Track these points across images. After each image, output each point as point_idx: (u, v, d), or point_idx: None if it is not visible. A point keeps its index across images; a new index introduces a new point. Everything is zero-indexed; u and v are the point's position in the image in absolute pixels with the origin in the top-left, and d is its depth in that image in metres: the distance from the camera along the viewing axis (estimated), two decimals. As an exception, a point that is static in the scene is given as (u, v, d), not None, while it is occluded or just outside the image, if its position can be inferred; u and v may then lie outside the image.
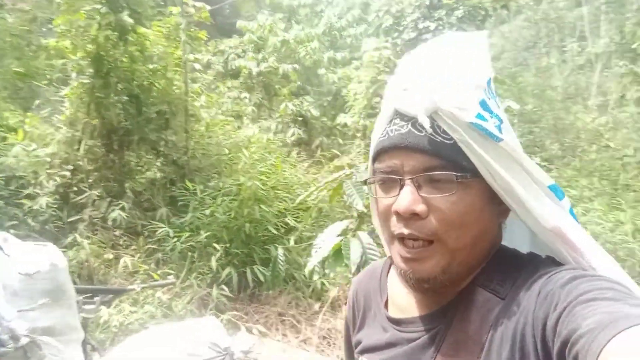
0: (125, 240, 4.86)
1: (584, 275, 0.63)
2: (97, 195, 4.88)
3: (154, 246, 4.77)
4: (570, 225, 0.70)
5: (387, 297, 0.85)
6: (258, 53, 9.36)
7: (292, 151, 7.24)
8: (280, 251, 4.66)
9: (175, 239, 4.64)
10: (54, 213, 4.66)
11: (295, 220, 5.25)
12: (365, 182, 0.79)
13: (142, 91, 5.89)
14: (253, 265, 4.73)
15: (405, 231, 0.69)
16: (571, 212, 0.74)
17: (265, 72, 9.04)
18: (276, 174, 5.79)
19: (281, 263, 4.55)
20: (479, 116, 0.66)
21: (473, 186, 0.68)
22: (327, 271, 2.30)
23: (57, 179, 4.84)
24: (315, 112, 8.54)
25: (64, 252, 4.14)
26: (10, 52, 5.54)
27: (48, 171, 4.88)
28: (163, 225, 4.81)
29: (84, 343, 2.21)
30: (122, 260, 4.43)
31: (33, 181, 4.81)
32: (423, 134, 0.67)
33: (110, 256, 4.52)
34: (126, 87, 5.75)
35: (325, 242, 2.17)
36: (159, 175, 5.38)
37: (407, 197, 0.67)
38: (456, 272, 0.71)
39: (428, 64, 0.71)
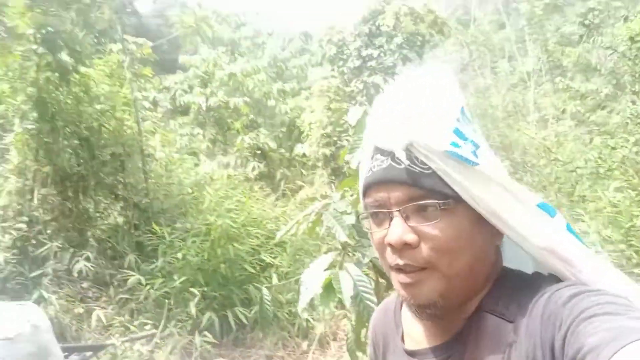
0: (94, 292, 4.51)
1: (583, 291, 0.64)
2: (59, 247, 4.52)
3: (126, 296, 4.45)
4: (563, 241, 0.70)
5: (402, 331, 0.86)
6: (205, 87, 9.18)
7: (255, 186, 7.05)
8: (265, 291, 4.46)
9: (148, 287, 4.36)
10: (14, 269, 4.27)
11: (270, 257, 5.05)
12: (358, 218, 0.84)
13: (92, 133, 5.56)
14: (233, 307, 4.50)
15: (400, 262, 0.70)
16: (568, 227, 0.73)
17: (214, 107, 8.86)
18: (244, 210, 5.58)
19: (267, 303, 4.34)
20: (453, 144, 0.68)
21: (458, 211, 0.69)
22: (320, 308, 2.20)
23: (13, 232, 4.46)
24: (272, 144, 8.43)
25: None
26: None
27: (2, 225, 4.49)
28: (133, 273, 4.52)
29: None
30: (94, 314, 4.11)
31: None
32: (402, 166, 0.70)
33: (81, 310, 4.18)
34: (75, 130, 5.41)
35: (313, 278, 2.08)
36: (121, 220, 5.10)
37: (396, 229, 0.69)
38: (456, 297, 0.72)
39: (400, 100, 0.74)
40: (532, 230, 0.69)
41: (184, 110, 9.04)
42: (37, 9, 5.06)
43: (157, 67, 10.03)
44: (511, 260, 0.80)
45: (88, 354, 2.54)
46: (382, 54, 9.39)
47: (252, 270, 4.81)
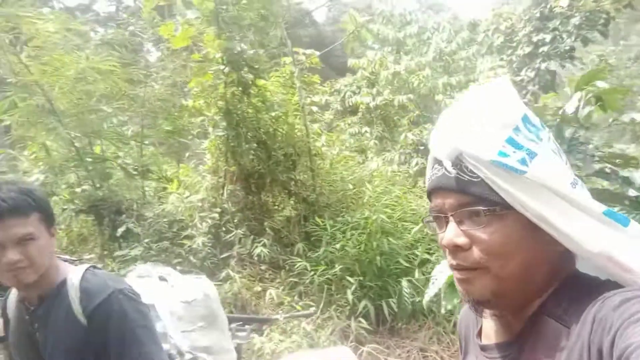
0: (270, 274, 5.18)
1: (636, 296, 0.65)
2: (242, 234, 5.31)
3: (295, 279, 5.02)
4: (622, 247, 0.71)
5: (480, 326, 0.91)
6: (372, 88, 9.54)
7: (418, 181, 7.15)
8: (405, 284, 4.62)
9: (313, 273, 4.85)
10: (209, 251, 5.16)
11: (427, 253, 5.12)
12: (423, 221, 0.91)
13: (269, 137, 6.33)
14: (388, 298, 4.70)
15: (454, 262, 0.78)
16: None
17: (381, 105, 9.17)
18: (401, 205, 5.75)
19: (406, 296, 4.49)
20: (501, 153, 0.72)
21: (508, 217, 0.73)
22: (443, 303, 2.23)
23: (209, 220, 5.40)
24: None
25: (219, 285, 4.63)
26: (160, 113, 6.38)
27: (200, 214, 5.47)
28: (300, 260, 5.07)
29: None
30: (268, 293, 4.76)
31: (190, 223, 5.44)
32: (452, 175, 0.76)
33: (259, 289, 4.88)
34: (254, 135, 6.24)
35: (441, 273, 2.12)
36: (293, 213, 5.74)
37: (448, 233, 0.76)
38: (511, 298, 0.76)
39: (457, 113, 0.80)
40: (584, 235, 0.71)
41: (353, 111, 9.56)
42: (223, 36, 6.01)
43: (330, 72, 10.81)
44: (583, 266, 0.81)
45: (259, 324, 2.97)
46: (557, 38, 8.54)
47: (408, 265, 4.97)
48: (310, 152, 6.23)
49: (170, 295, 1.93)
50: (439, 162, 0.80)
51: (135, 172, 6.55)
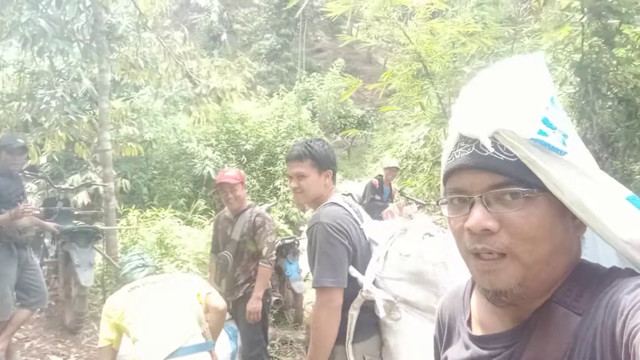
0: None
1: None
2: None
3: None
4: None
5: (469, 315, 0.87)
6: None
7: None
8: None
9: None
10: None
11: None
12: (437, 203, 0.84)
13: (636, 93, 5.46)
14: None
15: (479, 246, 0.71)
16: None
17: None
18: None
19: None
20: (540, 132, 0.69)
21: (541, 200, 0.70)
22: None
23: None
24: None
25: None
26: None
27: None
28: None
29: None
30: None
31: None
32: (487, 153, 0.71)
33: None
34: (616, 91, 5.51)
35: None
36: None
37: (477, 214, 0.70)
38: (533, 286, 0.72)
39: (488, 88, 0.76)
40: (617, 222, 0.68)
41: None
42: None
43: None
44: (589, 255, 0.79)
45: None
46: None
47: None
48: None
49: (394, 247, 2.04)
50: (466, 139, 0.75)
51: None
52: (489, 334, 0.80)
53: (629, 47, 5.41)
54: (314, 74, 16.58)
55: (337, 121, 15.31)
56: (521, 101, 0.71)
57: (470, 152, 0.73)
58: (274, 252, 3.35)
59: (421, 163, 9.40)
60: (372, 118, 16.45)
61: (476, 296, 0.88)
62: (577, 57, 5.54)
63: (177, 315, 2.51)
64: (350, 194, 6.47)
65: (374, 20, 7.62)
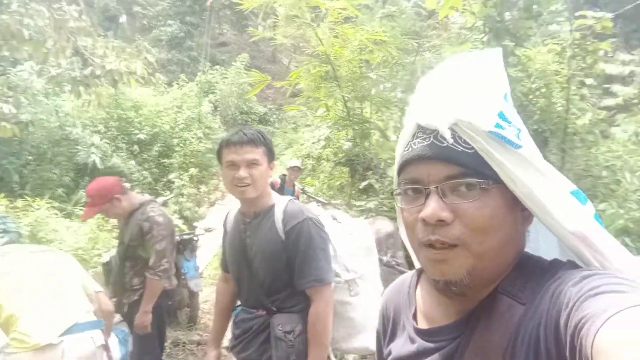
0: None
1: (596, 273, 0.64)
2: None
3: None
4: (593, 228, 0.70)
5: (415, 309, 0.87)
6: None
7: None
8: None
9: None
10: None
11: None
12: (392, 194, 0.84)
13: (522, 109, 5.97)
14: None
15: (432, 237, 0.72)
16: (596, 217, 0.73)
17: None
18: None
19: None
20: (497, 125, 0.70)
21: (495, 192, 0.71)
22: None
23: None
24: None
25: None
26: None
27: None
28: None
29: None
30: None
31: None
32: (445, 144, 0.72)
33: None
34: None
35: None
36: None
37: (432, 205, 0.71)
38: (482, 276, 0.73)
39: (447, 80, 0.76)
40: (563, 214, 0.70)
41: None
42: (489, 3, 5.86)
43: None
44: (531, 247, 0.81)
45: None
46: None
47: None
48: (566, 131, 5.61)
49: (339, 229, 2.31)
50: (424, 130, 0.75)
51: (394, 135, 7.22)
52: (434, 326, 0.80)
53: (519, 67, 5.91)
54: (217, 67, 16.01)
55: (239, 117, 14.96)
56: (479, 94, 0.72)
57: (429, 142, 0.73)
58: (165, 260, 2.88)
59: (322, 163, 9.48)
60: (275, 116, 16.34)
61: (421, 289, 0.89)
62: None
63: (68, 290, 2.29)
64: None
65: (286, 19, 7.56)
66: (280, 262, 1.90)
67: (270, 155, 1.94)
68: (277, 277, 1.92)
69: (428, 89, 0.78)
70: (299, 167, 7.06)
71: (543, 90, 5.90)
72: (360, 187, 6.12)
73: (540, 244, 0.83)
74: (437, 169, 0.72)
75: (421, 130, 0.75)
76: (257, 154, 1.87)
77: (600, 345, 0.51)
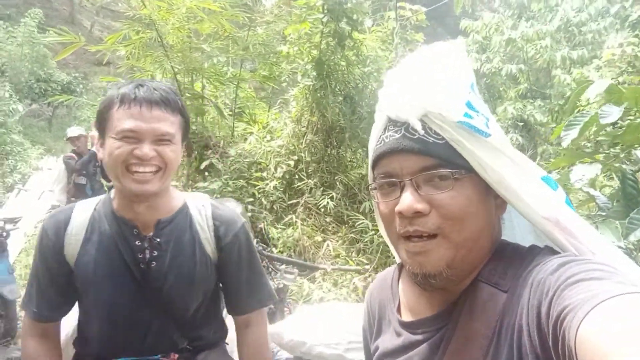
0: (333, 227, 5.23)
1: (573, 260, 0.65)
2: (313, 184, 5.41)
3: (355, 236, 5.05)
4: (566, 213, 0.71)
5: (399, 302, 0.88)
6: (482, 54, 8.92)
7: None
8: None
9: (374, 232, 4.83)
10: (279, 195, 5.37)
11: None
12: (367, 189, 0.80)
13: (357, 92, 6.25)
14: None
15: (410, 229, 0.72)
16: (567, 202, 0.74)
17: (488, 73, 8.57)
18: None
19: None
20: (466, 115, 0.71)
21: (468, 181, 0.72)
22: None
23: (284, 166, 5.56)
24: (541, 118, 7.68)
25: (283, 229, 4.92)
26: (260, 58, 6.58)
27: (276, 159, 5.66)
28: (364, 219, 5.05)
29: (282, 304, 2.62)
30: (326, 243, 4.85)
31: (266, 167, 5.65)
32: (416, 136, 0.72)
33: (319, 239, 4.96)
34: (343, 88, 6.18)
35: None
36: (365, 171, 5.63)
37: (408, 197, 0.71)
38: (461, 267, 0.73)
39: (415, 73, 0.76)
40: (536, 199, 0.71)
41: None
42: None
43: (443, 32, 10.20)
44: (507, 235, 0.84)
45: (307, 271, 3.03)
46: None
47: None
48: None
49: None
50: (395, 123, 0.75)
51: (229, 112, 6.88)
52: (418, 319, 0.81)
53: (355, 51, 6.14)
54: (2, 22, 13.23)
55: (35, 85, 12.65)
56: (447, 85, 0.73)
57: (400, 135, 0.74)
58: None
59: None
60: (82, 86, 14.26)
61: (403, 282, 0.89)
62: (315, 52, 5.97)
63: None
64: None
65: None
66: (209, 286, 1.39)
67: (186, 133, 1.30)
68: (203, 306, 1.40)
69: (396, 82, 0.78)
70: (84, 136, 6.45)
71: (375, 74, 6.23)
72: (202, 167, 5.68)
73: (515, 231, 0.86)
74: (410, 161, 0.72)
75: (392, 123, 0.76)
76: (173, 125, 1.21)
77: (583, 336, 0.51)
